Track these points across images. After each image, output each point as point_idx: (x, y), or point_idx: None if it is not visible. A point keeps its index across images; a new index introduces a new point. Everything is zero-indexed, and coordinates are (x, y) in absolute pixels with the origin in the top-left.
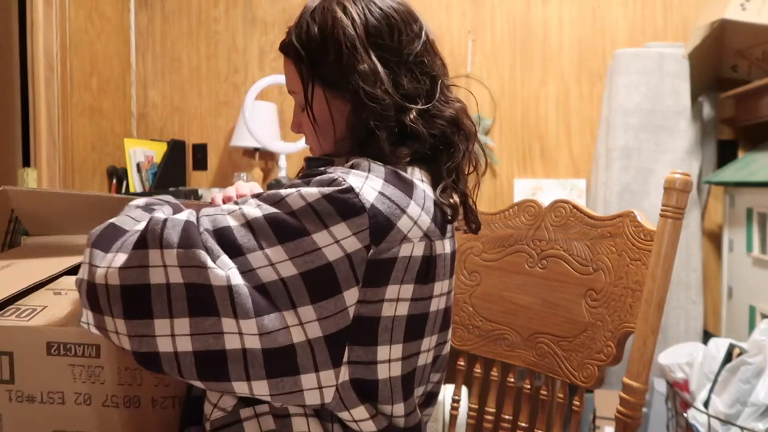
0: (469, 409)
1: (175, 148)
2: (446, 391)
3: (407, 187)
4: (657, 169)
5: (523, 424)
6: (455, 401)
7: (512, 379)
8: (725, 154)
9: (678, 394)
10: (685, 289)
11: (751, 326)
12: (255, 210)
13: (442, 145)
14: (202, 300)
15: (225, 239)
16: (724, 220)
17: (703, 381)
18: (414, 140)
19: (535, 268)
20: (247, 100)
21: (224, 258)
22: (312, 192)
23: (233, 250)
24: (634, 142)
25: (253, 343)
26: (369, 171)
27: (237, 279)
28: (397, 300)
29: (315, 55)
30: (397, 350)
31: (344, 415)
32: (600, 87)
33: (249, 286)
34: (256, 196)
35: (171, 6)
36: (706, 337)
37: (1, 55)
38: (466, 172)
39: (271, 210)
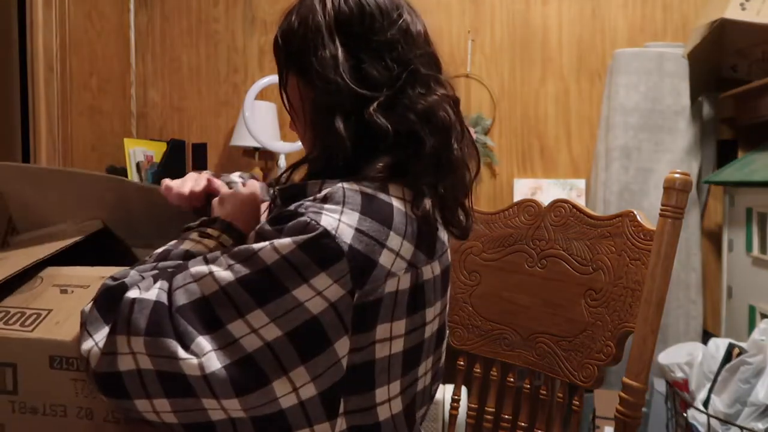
0: (469, 408)
1: (175, 147)
2: (446, 391)
3: (386, 216)
4: (657, 169)
5: (523, 424)
6: (455, 401)
7: (512, 379)
8: (725, 154)
9: (678, 394)
10: (684, 288)
11: (751, 326)
12: (227, 273)
13: (409, 141)
14: (177, 385)
15: (201, 312)
16: (723, 220)
17: (702, 381)
18: (379, 139)
19: (535, 268)
20: (246, 100)
21: (199, 340)
22: (285, 243)
23: (211, 322)
24: (633, 141)
25: (239, 414)
26: (343, 203)
27: (213, 365)
28: (390, 339)
29: (288, 43)
30: (396, 386)
31: None
32: (600, 86)
33: (230, 363)
34: (227, 252)
35: (170, 6)
36: (706, 336)
37: (1, 55)
38: (448, 170)
39: (244, 271)
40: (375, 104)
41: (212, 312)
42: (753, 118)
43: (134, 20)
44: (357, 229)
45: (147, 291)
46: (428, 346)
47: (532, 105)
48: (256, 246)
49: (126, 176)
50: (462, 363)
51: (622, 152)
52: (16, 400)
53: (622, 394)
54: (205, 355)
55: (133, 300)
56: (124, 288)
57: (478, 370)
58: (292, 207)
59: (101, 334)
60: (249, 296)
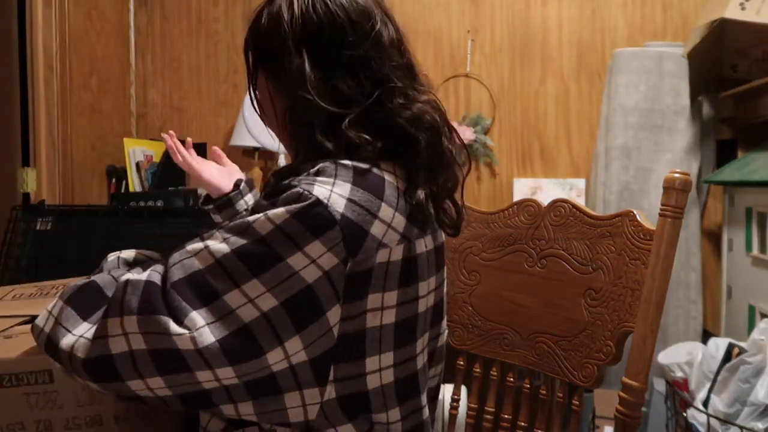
0: (469, 408)
1: None
2: (446, 391)
3: (377, 188)
4: (656, 169)
5: (523, 424)
6: (454, 401)
7: (512, 379)
8: (724, 154)
9: (677, 394)
10: (684, 288)
11: (751, 326)
12: (222, 246)
13: (404, 144)
14: (171, 362)
15: (198, 286)
16: (723, 220)
17: (702, 380)
18: (358, 148)
19: (535, 268)
20: (246, 100)
21: (193, 315)
22: (279, 213)
23: (208, 295)
24: (633, 141)
25: (233, 381)
26: (335, 176)
27: (206, 339)
28: (381, 309)
29: (258, 45)
30: (388, 358)
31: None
32: (599, 86)
33: (226, 335)
34: (223, 227)
35: (170, 5)
36: (706, 336)
37: (1, 55)
38: (441, 167)
39: (240, 242)
40: (347, 121)
41: (208, 284)
42: (752, 118)
43: (134, 20)
44: (349, 199)
45: (139, 274)
46: (423, 322)
47: (531, 105)
48: (251, 218)
49: (125, 176)
50: (462, 363)
51: (621, 152)
52: None
53: (622, 394)
54: (198, 330)
55: (126, 282)
56: (96, 285)
57: (478, 370)
58: (284, 183)
59: (82, 328)
60: (244, 266)
